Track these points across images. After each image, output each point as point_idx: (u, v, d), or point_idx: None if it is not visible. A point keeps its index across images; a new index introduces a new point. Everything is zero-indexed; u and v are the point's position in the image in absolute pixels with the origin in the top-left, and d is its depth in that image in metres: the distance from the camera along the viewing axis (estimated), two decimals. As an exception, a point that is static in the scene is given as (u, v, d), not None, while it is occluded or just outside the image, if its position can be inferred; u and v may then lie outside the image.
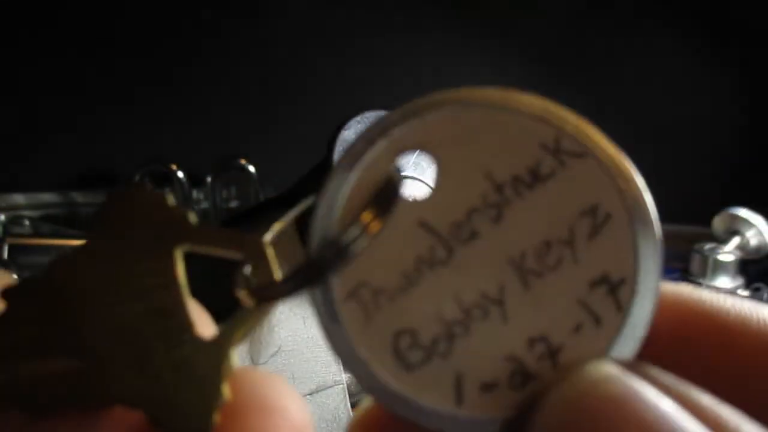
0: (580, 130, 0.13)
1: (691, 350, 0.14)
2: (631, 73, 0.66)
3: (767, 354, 0.13)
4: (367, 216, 0.13)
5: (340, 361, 0.13)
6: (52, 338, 0.13)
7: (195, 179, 0.59)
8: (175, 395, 0.12)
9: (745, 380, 0.13)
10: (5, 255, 0.50)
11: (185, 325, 0.13)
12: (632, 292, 0.13)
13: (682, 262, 0.47)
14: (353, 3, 0.63)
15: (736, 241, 0.46)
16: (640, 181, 0.13)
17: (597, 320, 0.13)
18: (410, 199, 0.13)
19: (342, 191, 0.13)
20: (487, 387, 0.13)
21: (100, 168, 0.62)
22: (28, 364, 0.13)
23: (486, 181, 0.13)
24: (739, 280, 0.45)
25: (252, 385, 0.13)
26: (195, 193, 0.59)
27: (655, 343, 0.13)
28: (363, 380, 0.13)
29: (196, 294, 0.13)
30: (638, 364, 0.12)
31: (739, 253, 0.45)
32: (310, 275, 0.13)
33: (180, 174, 0.58)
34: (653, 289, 0.13)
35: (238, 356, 0.13)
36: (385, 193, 0.13)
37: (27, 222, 0.57)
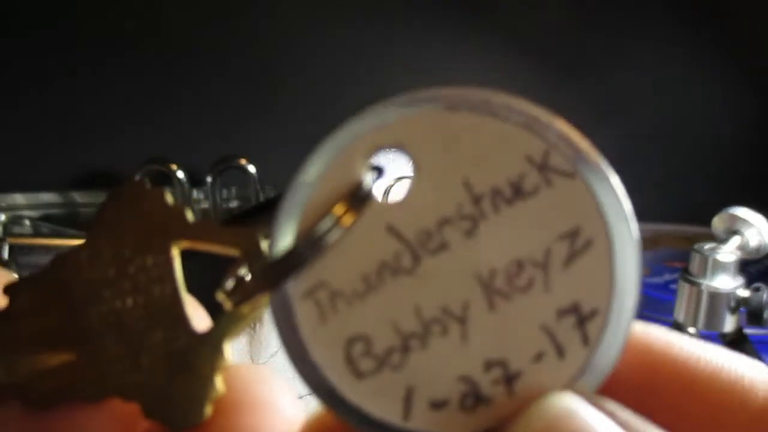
0: (572, 147, 0.12)
1: (655, 396, 0.13)
2: (632, 73, 0.66)
3: (736, 409, 0.13)
4: (339, 209, 0.12)
5: (291, 361, 0.13)
6: (51, 332, 0.13)
7: (195, 179, 0.59)
8: (169, 387, 0.13)
9: None
10: (5, 255, 0.50)
11: (181, 318, 0.13)
12: (602, 327, 0.12)
13: (682, 262, 0.47)
14: (354, 3, 0.63)
15: (736, 241, 0.45)
16: (628, 209, 0.12)
17: (560, 351, 0.12)
18: (380, 201, 0.13)
19: (314, 183, 0.12)
20: (437, 405, 0.12)
21: (100, 168, 0.62)
22: (28, 357, 0.13)
23: (463, 190, 0.12)
24: (739, 280, 0.45)
25: (246, 381, 0.13)
26: (195, 193, 0.59)
27: (616, 384, 0.13)
28: (313, 384, 0.13)
29: (195, 291, 0.13)
30: (598, 398, 0.12)
31: (739, 253, 0.45)
32: (282, 270, 0.12)
33: (180, 174, 0.58)
34: (625, 326, 0.12)
35: (233, 351, 0.13)
36: (358, 189, 0.12)
37: (27, 222, 0.57)
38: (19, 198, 0.59)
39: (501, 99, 0.12)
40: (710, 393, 0.13)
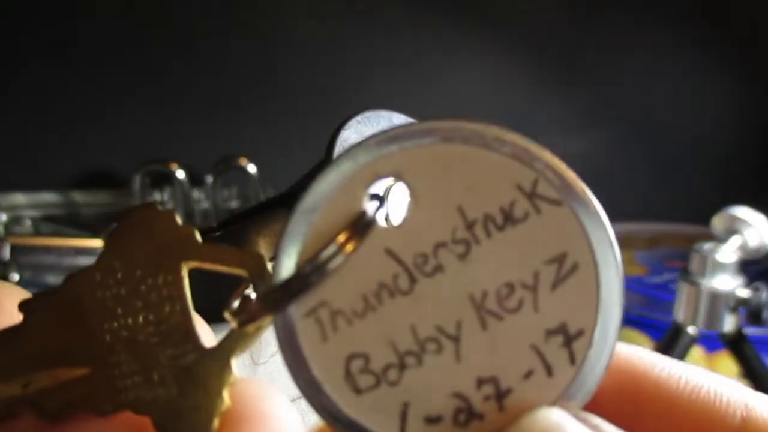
0: (559, 177, 0.13)
1: (637, 414, 0.14)
2: (632, 73, 0.66)
3: (715, 428, 0.14)
4: (342, 237, 0.13)
5: (292, 377, 0.13)
6: (66, 348, 0.13)
7: (195, 179, 0.59)
8: (180, 401, 0.13)
9: None
10: (6, 255, 0.50)
11: (191, 335, 0.13)
12: (588, 346, 0.13)
13: (682, 262, 0.47)
14: (353, 4, 0.63)
15: (736, 240, 0.46)
16: (612, 235, 0.13)
17: (549, 370, 0.13)
18: (380, 226, 0.13)
19: (316, 210, 0.13)
20: (432, 420, 0.13)
21: (100, 168, 0.62)
22: (43, 371, 0.13)
23: (458, 215, 0.13)
24: (739, 280, 0.45)
25: (247, 394, 0.14)
26: (195, 193, 0.59)
27: (601, 403, 0.13)
28: (313, 399, 0.13)
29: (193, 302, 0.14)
30: (584, 413, 0.13)
31: (739, 253, 0.45)
32: (285, 295, 0.13)
33: (180, 174, 0.58)
34: (610, 346, 0.13)
35: (238, 364, 0.13)
36: (361, 218, 0.13)
37: (28, 222, 0.57)
38: (19, 198, 0.59)
39: (493, 131, 0.13)
40: (690, 412, 0.14)
